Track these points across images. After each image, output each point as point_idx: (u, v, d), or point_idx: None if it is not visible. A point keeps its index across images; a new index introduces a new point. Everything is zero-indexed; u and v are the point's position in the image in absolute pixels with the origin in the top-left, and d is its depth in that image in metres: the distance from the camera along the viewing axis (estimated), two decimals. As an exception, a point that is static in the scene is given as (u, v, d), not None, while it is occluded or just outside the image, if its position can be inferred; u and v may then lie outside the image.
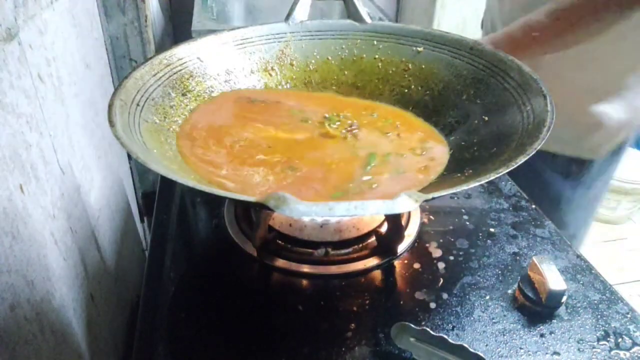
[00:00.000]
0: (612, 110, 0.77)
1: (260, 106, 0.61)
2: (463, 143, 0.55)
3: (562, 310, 0.47)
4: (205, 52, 0.62)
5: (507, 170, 0.40)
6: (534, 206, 0.62)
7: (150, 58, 0.57)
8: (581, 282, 0.50)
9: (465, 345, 0.40)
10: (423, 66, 0.64)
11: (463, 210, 0.61)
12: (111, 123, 0.43)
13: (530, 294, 0.47)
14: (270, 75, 0.68)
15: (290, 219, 0.54)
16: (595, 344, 0.44)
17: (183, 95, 0.58)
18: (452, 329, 0.45)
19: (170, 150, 0.50)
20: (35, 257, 0.46)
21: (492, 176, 0.39)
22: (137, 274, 0.90)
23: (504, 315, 0.46)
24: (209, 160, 0.52)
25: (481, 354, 0.40)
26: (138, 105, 0.50)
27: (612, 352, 0.43)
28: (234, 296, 0.48)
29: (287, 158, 0.53)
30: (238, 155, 0.53)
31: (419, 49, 0.65)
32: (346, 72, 0.69)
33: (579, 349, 0.43)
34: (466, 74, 0.60)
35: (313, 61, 0.69)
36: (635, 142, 1.80)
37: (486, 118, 0.54)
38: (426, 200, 0.35)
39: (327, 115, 0.61)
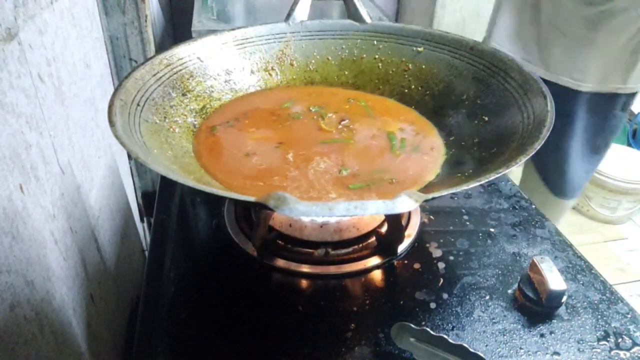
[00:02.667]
0: None
1: (249, 119, 0.61)
2: (463, 143, 0.55)
3: (562, 310, 0.47)
4: (205, 52, 0.62)
5: (507, 170, 0.40)
6: (534, 206, 0.62)
7: (150, 58, 0.57)
8: (581, 282, 0.50)
9: (465, 345, 0.40)
10: (423, 66, 0.64)
11: (463, 210, 0.61)
12: (111, 123, 0.43)
13: (530, 294, 0.47)
14: (271, 75, 0.68)
15: (290, 219, 0.53)
16: (595, 344, 0.44)
17: (183, 95, 0.58)
18: (452, 329, 0.45)
19: (170, 150, 0.50)
20: (35, 257, 0.46)
21: (492, 176, 0.39)
22: (137, 274, 0.90)
23: (504, 315, 0.46)
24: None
25: (481, 354, 0.40)
26: (138, 105, 0.50)
27: (612, 352, 0.43)
28: (234, 296, 0.48)
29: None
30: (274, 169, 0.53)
31: (419, 49, 0.65)
32: (346, 72, 0.69)
33: (579, 349, 0.43)
34: (466, 74, 0.60)
35: (313, 61, 0.69)
36: (633, 140, 1.79)
37: (486, 118, 0.54)
38: (426, 200, 0.35)
39: (311, 109, 0.63)
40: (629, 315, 0.47)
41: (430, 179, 0.52)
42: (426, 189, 0.50)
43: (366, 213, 0.32)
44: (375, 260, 0.52)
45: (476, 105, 0.57)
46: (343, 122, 0.60)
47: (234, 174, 0.52)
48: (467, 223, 0.59)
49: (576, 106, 0.90)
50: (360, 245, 0.53)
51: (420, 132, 0.59)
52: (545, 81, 0.56)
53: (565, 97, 0.88)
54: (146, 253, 0.96)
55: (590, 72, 0.86)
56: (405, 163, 0.54)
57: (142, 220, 1.06)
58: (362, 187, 0.50)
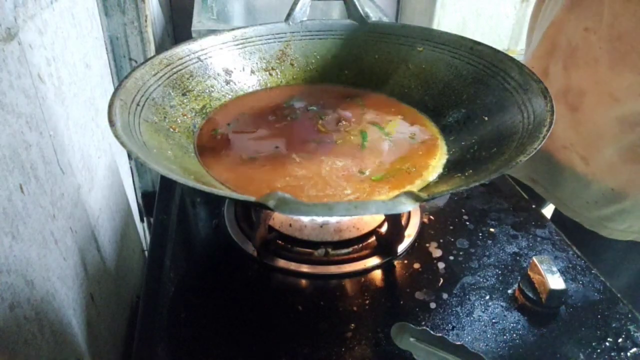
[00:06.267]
0: None
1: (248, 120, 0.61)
2: (463, 143, 0.55)
3: (562, 310, 0.47)
4: (205, 52, 0.62)
5: (507, 170, 0.40)
6: (534, 206, 0.62)
7: (150, 58, 0.57)
8: (581, 282, 0.50)
9: (465, 345, 0.40)
10: (423, 66, 0.64)
11: (463, 210, 0.61)
12: (111, 123, 0.43)
13: (530, 294, 0.47)
14: (271, 75, 0.68)
15: (290, 219, 0.53)
16: (595, 344, 0.44)
17: (183, 95, 0.58)
18: (452, 329, 0.45)
19: (170, 150, 0.50)
20: (35, 257, 0.46)
21: (492, 176, 0.39)
22: (137, 274, 0.90)
23: (504, 315, 0.46)
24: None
25: (481, 354, 0.40)
26: (138, 105, 0.50)
27: (612, 352, 0.43)
28: (234, 296, 0.48)
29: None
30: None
31: (419, 48, 0.65)
32: (346, 72, 0.69)
33: (579, 349, 0.43)
34: (466, 74, 0.60)
35: (313, 61, 0.69)
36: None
37: (486, 118, 0.54)
38: (426, 200, 0.35)
39: (308, 109, 0.63)
40: (629, 315, 0.47)
41: (432, 178, 0.52)
42: (426, 189, 0.50)
43: (366, 213, 0.32)
44: (375, 260, 0.52)
45: (476, 105, 0.57)
46: (341, 123, 0.60)
47: (235, 174, 0.52)
48: (467, 223, 0.59)
49: None
50: (360, 245, 0.53)
51: (419, 125, 0.60)
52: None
53: None
54: (146, 253, 0.96)
55: None
56: (411, 153, 0.55)
57: (142, 220, 1.06)
58: (381, 178, 0.51)
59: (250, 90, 0.66)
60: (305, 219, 0.53)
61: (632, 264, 0.70)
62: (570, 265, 0.52)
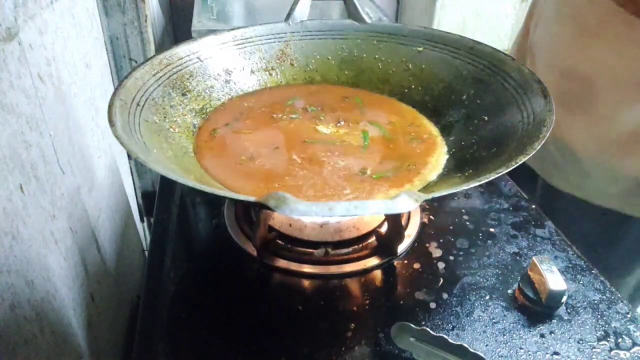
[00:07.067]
0: None
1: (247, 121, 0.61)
2: (463, 143, 0.55)
3: (562, 310, 0.47)
4: (205, 52, 0.62)
5: (507, 170, 0.40)
6: (534, 206, 0.62)
7: (150, 58, 0.57)
8: (581, 282, 0.50)
9: (465, 345, 0.40)
10: (423, 66, 0.64)
11: (463, 210, 0.61)
12: (111, 123, 0.43)
13: (530, 294, 0.47)
14: (271, 75, 0.68)
15: (290, 219, 0.53)
16: (595, 344, 0.44)
17: (183, 95, 0.58)
18: (452, 329, 0.45)
19: (170, 150, 0.50)
20: (35, 257, 0.46)
21: (492, 176, 0.39)
22: (137, 274, 0.90)
23: (504, 315, 0.46)
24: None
25: (481, 354, 0.40)
26: (138, 105, 0.50)
27: (612, 352, 0.43)
28: (234, 296, 0.48)
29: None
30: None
31: (419, 49, 0.65)
32: (346, 72, 0.69)
33: (579, 349, 0.43)
34: (466, 74, 0.60)
35: (313, 61, 0.69)
36: None
37: (486, 118, 0.54)
38: (426, 200, 0.35)
39: (308, 109, 0.63)
40: (629, 315, 0.47)
41: (432, 178, 0.52)
42: (426, 189, 0.50)
43: (366, 213, 0.32)
44: (375, 260, 0.52)
45: (476, 105, 0.57)
46: (340, 123, 0.60)
47: (234, 174, 0.52)
48: (467, 223, 0.59)
49: None
50: (360, 245, 0.53)
51: (419, 125, 0.60)
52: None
53: None
54: (146, 253, 0.96)
55: None
56: (411, 152, 0.55)
57: (142, 220, 1.06)
58: (382, 176, 0.51)
59: (250, 90, 0.66)
60: (305, 219, 0.53)
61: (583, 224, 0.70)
62: (570, 265, 0.52)
